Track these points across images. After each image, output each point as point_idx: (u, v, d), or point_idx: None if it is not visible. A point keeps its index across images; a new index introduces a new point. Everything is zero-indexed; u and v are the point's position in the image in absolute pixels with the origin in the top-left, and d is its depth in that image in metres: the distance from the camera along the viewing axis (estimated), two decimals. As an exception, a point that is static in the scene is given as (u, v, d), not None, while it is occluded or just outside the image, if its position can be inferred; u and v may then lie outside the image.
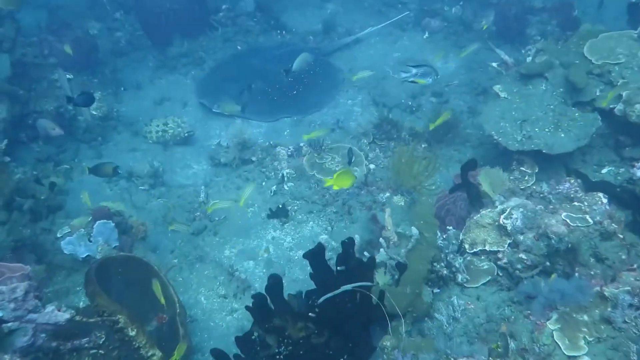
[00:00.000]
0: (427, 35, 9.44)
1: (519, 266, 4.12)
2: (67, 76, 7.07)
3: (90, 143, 7.16)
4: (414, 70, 5.13)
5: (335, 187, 4.37)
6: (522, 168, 5.53)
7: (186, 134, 7.40)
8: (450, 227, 4.85)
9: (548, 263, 4.05)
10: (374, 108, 7.97)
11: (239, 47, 9.46)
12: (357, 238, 4.43)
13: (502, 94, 5.99)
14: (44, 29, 8.06)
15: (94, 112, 7.28)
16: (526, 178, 5.48)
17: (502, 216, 4.29)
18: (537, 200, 4.69)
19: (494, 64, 6.79)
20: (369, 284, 3.20)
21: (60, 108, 6.75)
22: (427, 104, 7.92)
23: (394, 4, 10.49)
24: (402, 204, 6.05)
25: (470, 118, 7.45)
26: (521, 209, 4.26)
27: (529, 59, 6.49)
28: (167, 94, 8.57)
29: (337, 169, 6.53)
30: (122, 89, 8.46)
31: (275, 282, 3.15)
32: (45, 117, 6.46)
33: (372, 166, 6.61)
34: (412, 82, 5.26)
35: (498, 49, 6.65)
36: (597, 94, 5.43)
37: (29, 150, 6.53)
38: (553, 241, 3.98)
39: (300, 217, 5.99)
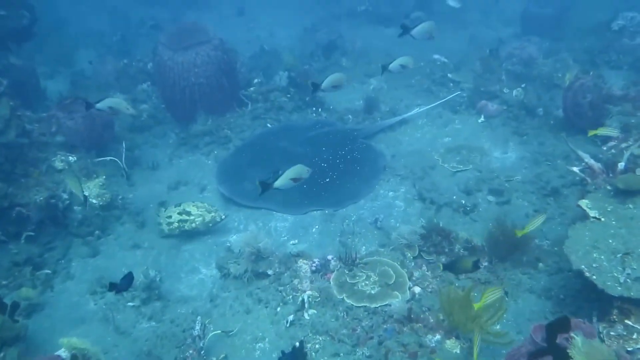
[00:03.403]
0: (482, 119, 8.27)
1: None
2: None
3: (85, 237, 6.14)
4: None
5: None
6: (627, 321, 4.04)
7: (211, 225, 6.31)
8: (532, 417, 3.38)
9: None
10: (420, 204, 6.73)
11: (269, 125, 8.53)
12: None
13: (592, 213, 4.60)
14: (54, 105, 7.32)
15: (94, 201, 6.31)
16: (634, 336, 3.98)
17: None
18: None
19: (575, 169, 5.43)
20: None
21: (52, 199, 5.79)
22: (483, 203, 6.62)
23: (445, 82, 9.41)
24: (458, 351, 4.60)
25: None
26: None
27: (621, 165, 5.12)
28: (185, 176, 7.64)
29: (373, 291, 5.19)
30: None
31: None
32: (31, 211, 5.51)
33: (417, 289, 5.23)
34: None
35: (580, 151, 5.29)
36: None
37: (6, 251, 5.51)
38: None
39: (322, 361, 4.62)
